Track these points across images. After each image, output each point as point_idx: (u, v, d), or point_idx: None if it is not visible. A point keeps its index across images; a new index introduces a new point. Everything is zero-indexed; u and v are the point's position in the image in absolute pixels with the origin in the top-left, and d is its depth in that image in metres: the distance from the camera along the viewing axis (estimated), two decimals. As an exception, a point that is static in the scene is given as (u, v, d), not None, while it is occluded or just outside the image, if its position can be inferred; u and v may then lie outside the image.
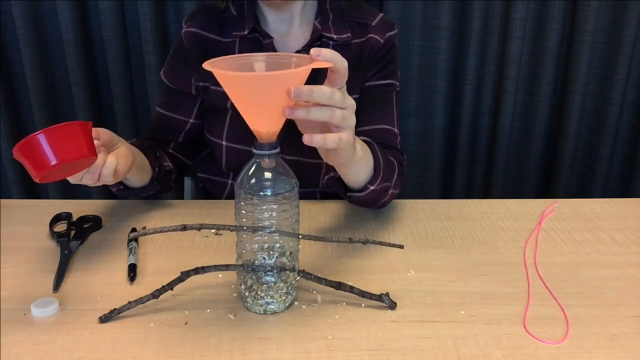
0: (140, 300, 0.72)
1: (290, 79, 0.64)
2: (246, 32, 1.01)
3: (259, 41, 1.02)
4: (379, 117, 1.05)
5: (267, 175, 0.69)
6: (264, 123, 0.66)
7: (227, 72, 0.63)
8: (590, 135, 1.63)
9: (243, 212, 0.69)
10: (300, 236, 0.73)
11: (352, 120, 0.71)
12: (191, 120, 1.09)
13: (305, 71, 0.64)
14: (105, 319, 0.71)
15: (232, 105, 1.02)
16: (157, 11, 1.52)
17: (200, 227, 0.71)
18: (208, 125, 1.08)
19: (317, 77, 0.70)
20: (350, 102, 0.71)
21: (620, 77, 1.53)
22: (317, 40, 1.02)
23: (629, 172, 1.66)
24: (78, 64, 1.55)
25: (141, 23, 1.52)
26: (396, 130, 1.06)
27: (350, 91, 1.02)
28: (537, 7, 1.52)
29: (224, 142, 1.05)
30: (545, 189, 1.70)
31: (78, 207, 1.01)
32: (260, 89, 0.64)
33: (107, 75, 1.60)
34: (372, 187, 0.88)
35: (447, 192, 1.73)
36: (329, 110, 0.67)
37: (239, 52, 1.03)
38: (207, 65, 0.64)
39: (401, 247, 0.79)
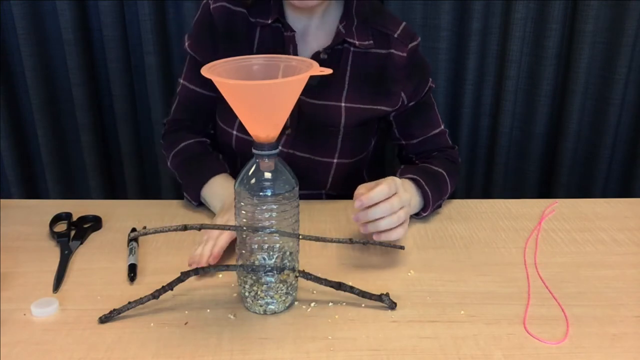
0: (140, 301, 0.72)
1: (287, 87, 0.64)
2: (270, 21, 1.01)
3: (281, 32, 1.02)
4: (429, 126, 1.11)
5: (267, 175, 0.68)
6: (263, 129, 0.66)
7: (226, 80, 0.63)
8: (590, 135, 1.63)
9: (243, 212, 0.69)
10: (300, 236, 0.73)
11: (409, 211, 0.84)
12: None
13: (303, 79, 0.64)
14: (105, 319, 0.71)
15: None
16: (157, 11, 1.52)
17: (200, 227, 0.71)
18: (220, 112, 1.08)
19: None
20: (406, 198, 0.83)
21: (620, 77, 1.53)
22: (339, 44, 1.02)
23: (629, 172, 1.66)
24: (78, 64, 1.55)
25: (141, 23, 1.52)
26: (442, 127, 1.12)
27: (372, 101, 1.05)
28: (537, 7, 1.52)
29: (234, 132, 1.05)
30: (545, 189, 1.70)
31: (78, 207, 1.01)
32: (260, 97, 0.64)
33: (107, 75, 1.60)
34: (425, 214, 0.98)
35: (447, 192, 1.73)
36: (394, 217, 0.80)
37: (259, 38, 1.03)
38: (205, 71, 0.64)
39: (401, 247, 0.79)
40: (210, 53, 1.04)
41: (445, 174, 1.03)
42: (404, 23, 1.07)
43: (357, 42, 1.01)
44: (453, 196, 1.06)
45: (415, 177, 0.97)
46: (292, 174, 0.71)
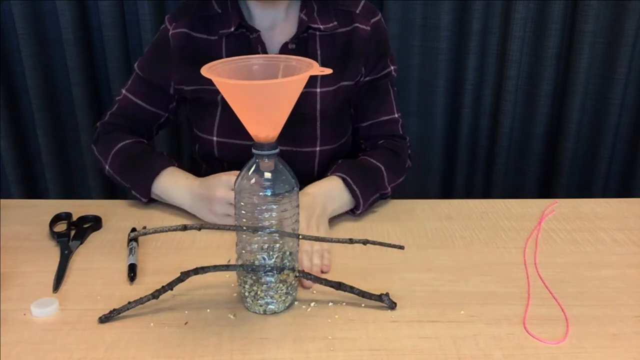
0: (140, 301, 0.72)
1: (287, 87, 0.64)
2: (232, 29, 1.02)
3: (246, 36, 1.03)
4: (380, 110, 1.10)
5: (267, 175, 0.68)
6: (263, 129, 0.66)
7: (227, 80, 0.63)
8: (590, 135, 1.63)
9: (243, 212, 0.69)
10: (300, 236, 0.73)
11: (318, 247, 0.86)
12: (166, 115, 1.11)
13: (303, 79, 0.65)
14: (105, 319, 0.71)
15: (222, 100, 1.03)
16: (157, 11, 1.52)
17: (200, 227, 0.71)
18: (198, 122, 1.09)
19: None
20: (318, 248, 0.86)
21: (620, 77, 1.53)
22: (304, 32, 1.03)
23: (629, 172, 1.66)
24: (78, 64, 1.55)
25: (141, 23, 1.52)
26: (396, 115, 1.12)
27: (341, 78, 1.05)
28: (537, 7, 1.52)
29: (214, 138, 1.06)
30: (545, 189, 1.70)
31: (78, 207, 1.01)
32: (260, 97, 0.64)
33: (107, 75, 1.60)
34: (359, 211, 0.99)
35: (447, 192, 1.72)
36: (316, 259, 0.84)
37: (226, 50, 1.03)
38: (205, 71, 0.65)
39: (401, 247, 0.79)
40: (162, 77, 1.06)
41: (383, 168, 1.03)
42: (363, 0, 1.09)
43: (321, 27, 1.03)
44: (453, 196, 1.07)
45: (344, 176, 0.98)
46: (292, 174, 0.71)
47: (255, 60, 0.71)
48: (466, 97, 1.61)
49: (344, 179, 0.97)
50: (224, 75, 0.67)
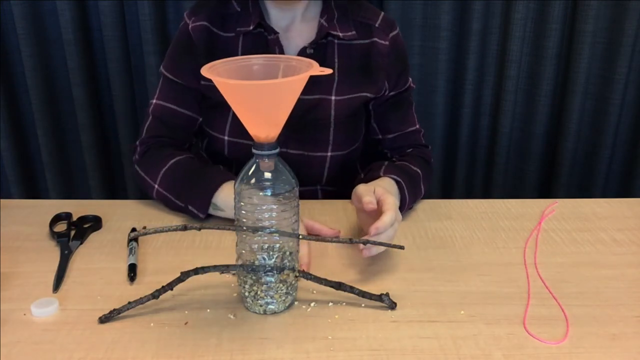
0: (140, 301, 0.72)
1: (287, 87, 0.64)
2: (251, 28, 1.01)
3: (264, 36, 1.03)
4: (405, 122, 1.13)
5: (267, 175, 0.68)
6: (263, 129, 0.66)
7: (227, 80, 0.63)
8: (590, 135, 1.63)
9: (243, 212, 0.69)
10: (300, 236, 0.73)
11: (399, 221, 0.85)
12: (200, 119, 1.09)
13: (303, 79, 0.65)
14: (105, 319, 0.71)
15: None
16: (157, 11, 1.52)
17: (200, 227, 0.71)
18: (209, 121, 1.08)
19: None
20: (399, 217, 0.85)
21: (620, 77, 1.53)
22: (323, 38, 1.03)
23: (629, 172, 1.66)
24: (78, 64, 1.55)
25: (141, 23, 1.52)
26: (418, 126, 1.15)
27: (358, 89, 1.05)
28: (537, 7, 1.52)
29: (225, 137, 1.05)
30: (545, 189, 1.70)
31: (78, 207, 1.01)
32: (260, 97, 0.64)
33: (107, 75, 1.60)
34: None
35: (447, 192, 1.73)
36: (392, 232, 0.82)
37: (242, 48, 1.03)
38: (205, 71, 0.65)
39: (401, 247, 0.79)
40: (190, 73, 1.04)
41: (421, 176, 1.05)
42: (382, 13, 1.09)
43: (340, 34, 1.03)
44: (453, 196, 1.07)
45: (399, 179, 0.97)
46: (292, 174, 0.71)
47: (255, 60, 0.71)
48: (466, 97, 1.61)
49: (398, 182, 0.97)
50: (224, 75, 0.67)
